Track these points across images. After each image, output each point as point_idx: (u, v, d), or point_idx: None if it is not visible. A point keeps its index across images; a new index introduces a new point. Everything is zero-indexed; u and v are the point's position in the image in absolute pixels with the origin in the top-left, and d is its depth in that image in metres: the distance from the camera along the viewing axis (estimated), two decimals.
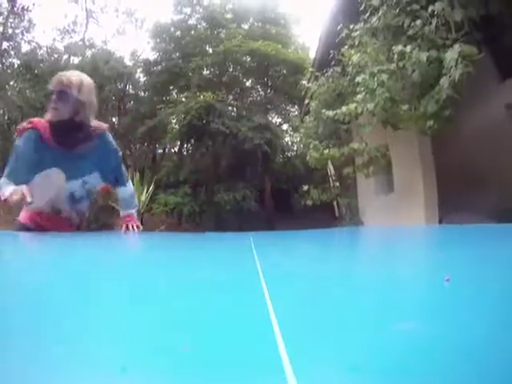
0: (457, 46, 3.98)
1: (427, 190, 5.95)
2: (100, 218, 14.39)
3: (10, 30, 16.09)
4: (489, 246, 1.39)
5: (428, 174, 5.98)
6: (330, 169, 10.22)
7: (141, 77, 17.43)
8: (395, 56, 4.55)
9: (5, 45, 15.99)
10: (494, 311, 0.58)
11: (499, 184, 5.17)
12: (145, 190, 7.04)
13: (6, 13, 15.82)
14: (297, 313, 0.63)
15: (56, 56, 16.92)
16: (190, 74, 15.95)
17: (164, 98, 16.20)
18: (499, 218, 4.21)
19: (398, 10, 4.80)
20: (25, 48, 16.54)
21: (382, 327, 0.54)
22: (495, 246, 1.36)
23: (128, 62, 17.28)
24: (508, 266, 0.93)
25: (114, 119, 17.45)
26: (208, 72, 16.65)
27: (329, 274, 0.97)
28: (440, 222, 5.63)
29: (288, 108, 18.11)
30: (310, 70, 8.79)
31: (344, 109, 5.39)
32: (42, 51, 16.84)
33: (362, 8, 5.31)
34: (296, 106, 16.90)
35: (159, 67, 16.59)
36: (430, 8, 4.30)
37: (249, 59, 15.80)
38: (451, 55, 4.00)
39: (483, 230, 1.97)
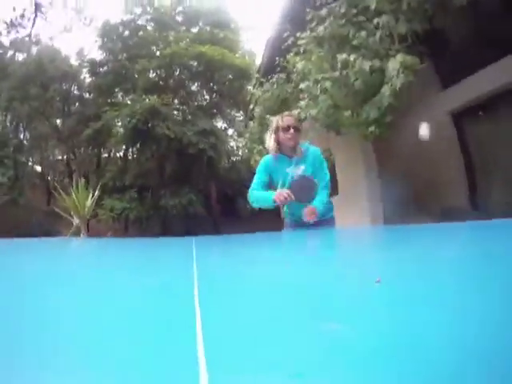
0: (399, 56, 4.12)
1: (370, 192, 6.13)
2: (44, 224, 13.68)
3: None
4: (427, 245, 1.42)
5: (370, 176, 6.17)
6: None
7: (86, 77, 16.83)
8: (339, 64, 4.64)
9: None
10: (424, 308, 0.57)
11: (441, 186, 5.56)
12: (90, 195, 6.74)
13: None
14: (222, 314, 0.61)
15: (1, 51, 15.97)
16: (136, 76, 15.64)
17: (109, 101, 15.70)
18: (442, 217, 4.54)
19: (344, 21, 4.92)
20: None
21: (309, 328, 0.52)
22: (433, 245, 1.39)
23: (74, 61, 16.64)
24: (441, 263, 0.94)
25: (58, 121, 16.79)
26: (154, 75, 16.37)
27: (263, 276, 0.95)
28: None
29: (233, 113, 18.18)
30: (256, 75, 8.84)
31: None
32: None
33: (309, 17, 5.39)
34: (241, 111, 17.00)
35: (105, 68, 16.11)
36: (376, 20, 4.44)
37: (195, 63, 15.67)
38: (393, 65, 4.14)
39: (425, 229, 2.04)
